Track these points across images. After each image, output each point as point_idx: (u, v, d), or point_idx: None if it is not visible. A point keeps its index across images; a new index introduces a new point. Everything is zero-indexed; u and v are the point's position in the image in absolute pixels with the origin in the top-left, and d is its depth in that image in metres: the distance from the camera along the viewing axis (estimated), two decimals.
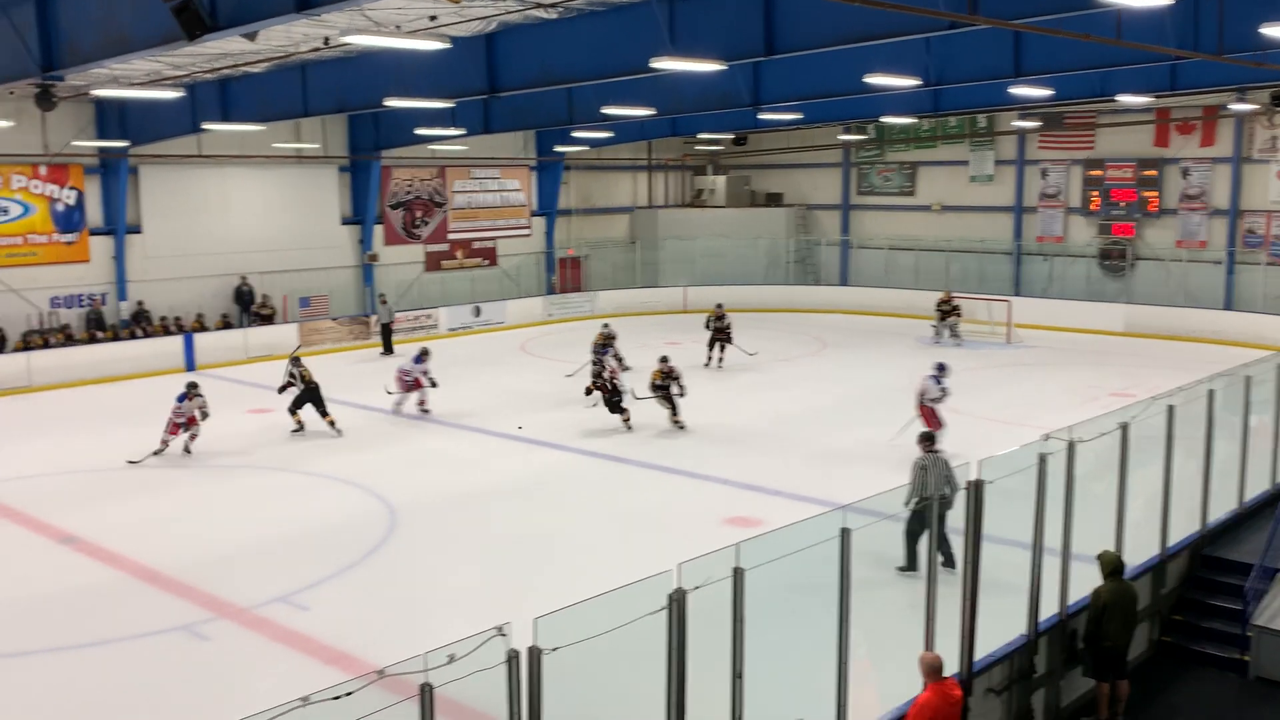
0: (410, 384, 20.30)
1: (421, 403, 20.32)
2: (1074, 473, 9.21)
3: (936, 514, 10.35)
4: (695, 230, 37.27)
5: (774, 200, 38.66)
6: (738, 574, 6.31)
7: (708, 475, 16.12)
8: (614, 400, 18.90)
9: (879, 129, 35.16)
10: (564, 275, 36.31)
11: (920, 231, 35.53)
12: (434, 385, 20.32)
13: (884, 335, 30.04)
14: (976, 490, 8.35)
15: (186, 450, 17.34)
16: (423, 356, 20.64)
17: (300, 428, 18.70)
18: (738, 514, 14.10)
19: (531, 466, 16.76)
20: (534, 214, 35.77)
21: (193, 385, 17.62)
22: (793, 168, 38.07)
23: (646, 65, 14.74)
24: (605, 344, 22.16)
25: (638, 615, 5.73)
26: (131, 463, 16.84)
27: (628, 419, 18.72)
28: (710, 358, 24.70)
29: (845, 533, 7.12)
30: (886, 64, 18.23)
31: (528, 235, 35.67)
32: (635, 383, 19.76)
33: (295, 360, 19.12)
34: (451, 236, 33.58)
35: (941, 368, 17.32)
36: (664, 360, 19.31)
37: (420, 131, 26.62)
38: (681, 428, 18.82)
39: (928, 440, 12.15)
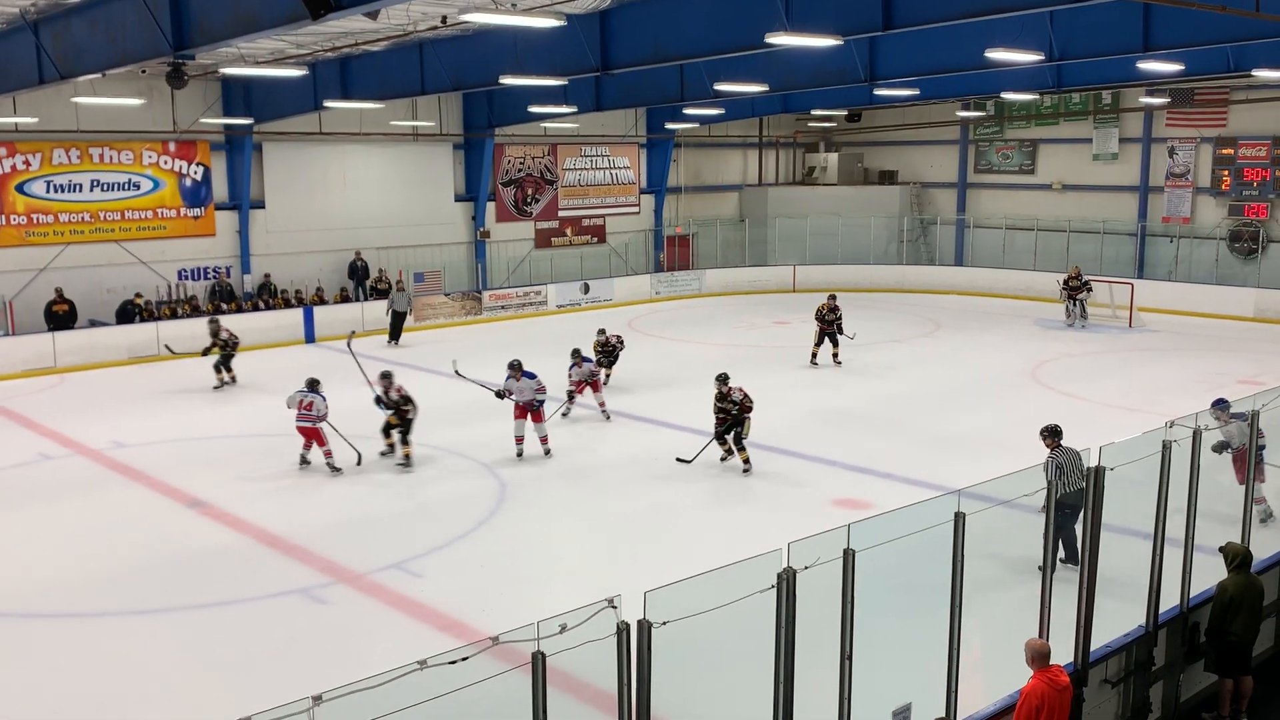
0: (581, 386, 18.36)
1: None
2: (1198, 461, 8.90)
3: (1071, 510, 10.02)
4: (806, 209, 36.89)
5: (888, 178, 38.02)
6: (847, 555, 6.26)
7: (818, 456, 16.01)
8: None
9: (998, 105, 34.28)
10: (672, 253, 36.32)
11: (1040, 211, 34.58)
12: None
13: (1000, 317, 29.38)
14: (1097, 477, 8.13)
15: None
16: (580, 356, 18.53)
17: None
18: (847, 496, 14.00)
19: (643, 444, 16.86)
20: (643, 191, 35.82)
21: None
22: (908, 145, 37.36)
23: (761, 41, 14.61)
24: (605, 349, 20.29)
25: (747, 593, 5.73)
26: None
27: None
28: (816, 354, 22.53)
29: (959, 517, 7.00)
30: (1008, 38, 17.74)
31: (636, 213, 35.75)
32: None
33: (348, 342, 18.44)
34: (561, 214, 33.85)
35: (1222, 404, 12.22)
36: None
37: (533, 109, 26.84)
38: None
39: (1054, 435, 11.47)
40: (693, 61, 19.72)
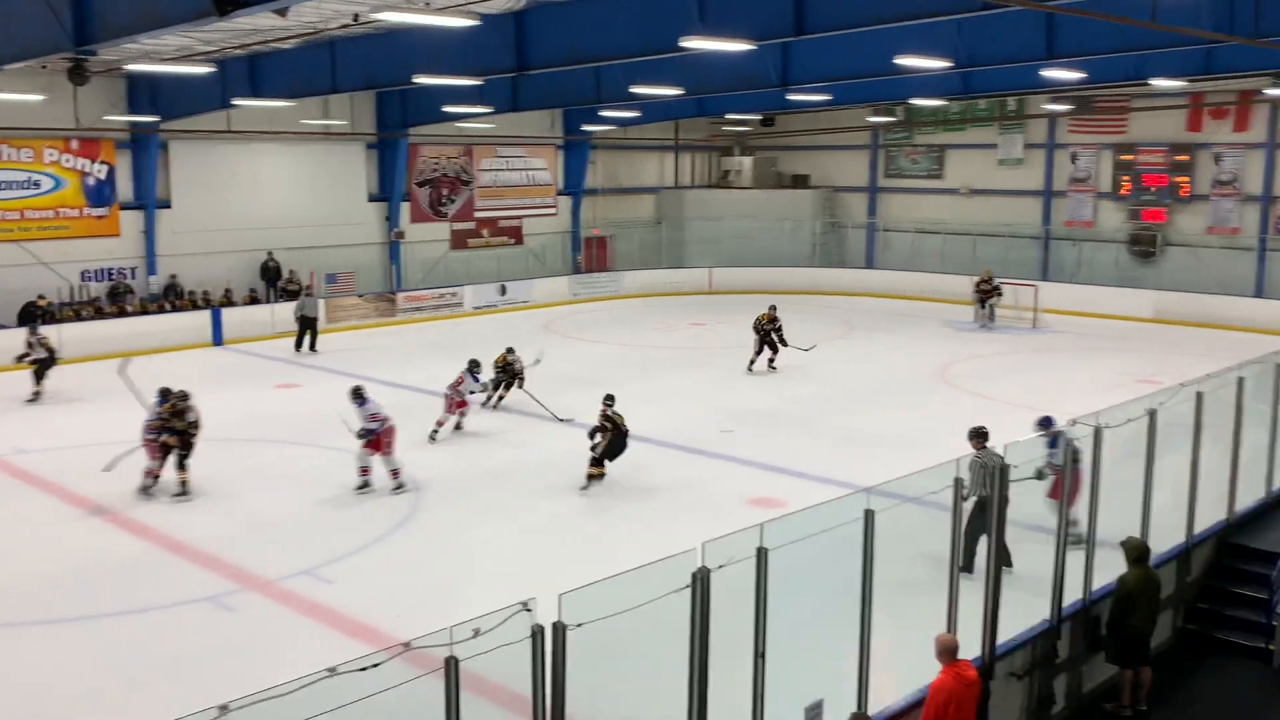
0: (457, 403, 17.45)
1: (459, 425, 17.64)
2: (1100, 459, 9.16)
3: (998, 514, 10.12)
4: (722, 211, 37.18)
5: (801, 182, 38.49)
6: (761, 554, 6.32)
7: (734, 457, 16.13)
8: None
9: (907, 111, 34.91)
10: (590, 255, 36.31)
11: (947, 215, 35.32)
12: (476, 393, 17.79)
13: (910, 318, 29.91)
14: (1001, 475, 8.32)
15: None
16: (476, 369, 17.73)
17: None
18: (763, 495, 14.11)
19: (559, 445, 16.80)
20: (560, 193, 35.75)
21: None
22: (820, 149, 37.86)
23: (676, 44, 14.69)
24: (505, 368, 19.08)
25: (662, 593, 5.75)
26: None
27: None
28: (754, 362, 22.31)
29: (869, 515, 7.12)
30: (917, 45, 18.10)
31: (554, 214, 35.67)
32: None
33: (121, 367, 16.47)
34: (478, 215, 33.62)
35: (1047, 422, 12.09)
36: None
37: (448, 109, 26.63)
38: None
39: (979, 437, 11.46)
40: (609, 63, 19.76)
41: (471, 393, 17.47)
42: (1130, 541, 9.34)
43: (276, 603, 10.99)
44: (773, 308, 22.91)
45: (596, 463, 14.73)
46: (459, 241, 33.17)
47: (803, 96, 26.73)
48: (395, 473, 14.52)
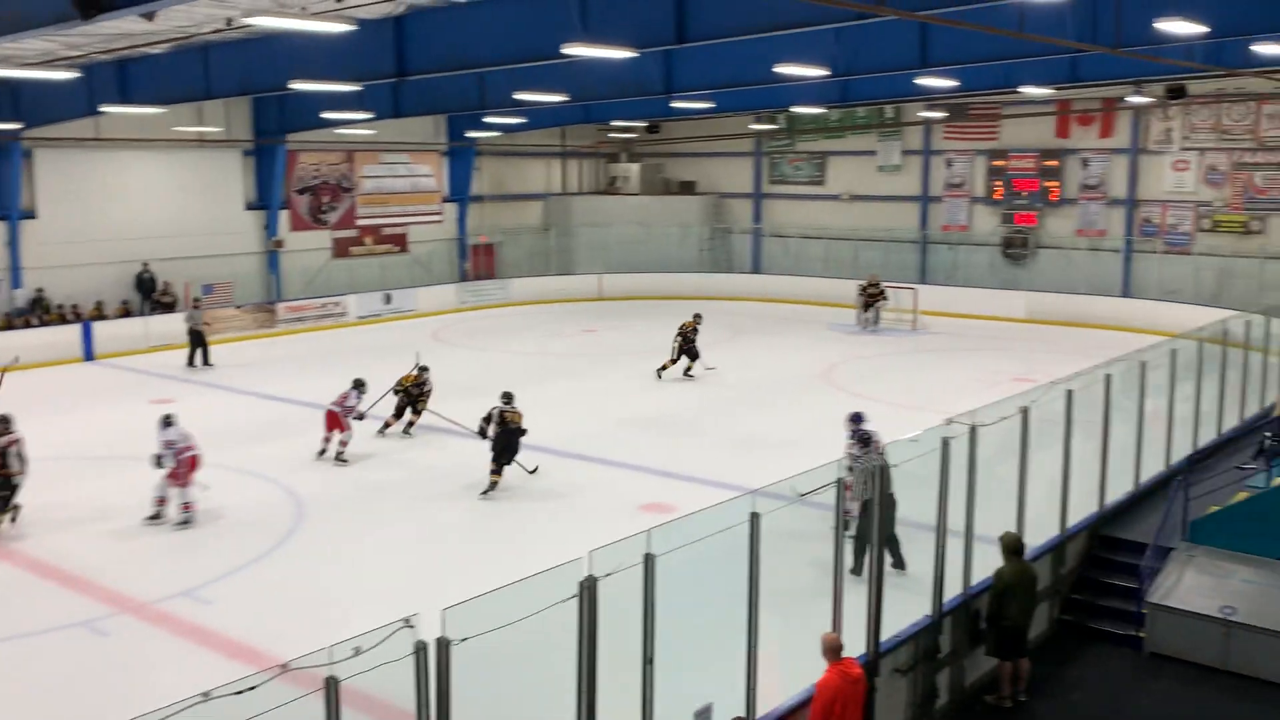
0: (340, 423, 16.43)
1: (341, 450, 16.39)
2: (976, 456, 9.42)
3: (886, 516, 10.21)
4: (610, 218, 37.26)
5: (687, 188, 38.81)
6: (648, 560, 6.33)
7: (625, 463, 16.16)
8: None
9: (789, 119, 35.47)
10: (477, 262, 36.00)
11: (830, 220, 35.98)
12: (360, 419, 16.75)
13: (796, 322, 30.38)
14: (882, 473, 8.49)
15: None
16: (361, 388, 16.87)
17: None
18: (653, 500, 14.14)
19: (444, 456, 16.61)
20: (446, 200, 35.37)
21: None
22: (706, 156, 38.22)
23: (558, 51, 14.64)
24: (417, 384, 18.09)
25: (548, 604, 5.71)
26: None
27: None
28: (667, 367, 22.10)
29: (755, 517, 7.18)
30: (796, 54, 18.38)
31: (439, 221, 35.27)
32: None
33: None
34: (360, 222, 33.03)
35: (857, 417, 12.69)
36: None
37: (327, 115, 26.13)
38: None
39: (865, 441, 11.57)
40: (492, 69, 19.62)
41: (357, 417, 16.60)
42: (1006, 536, 9.62)
43: (153, 625, 10.62)
44: (697, 316, 22.90)
45: (495, 469, 14.58)
46: (341, 250, 32.55)
47: (687, 104, 26.94)
48: (186, 506, 13.47)
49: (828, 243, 35.57)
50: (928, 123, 32.91)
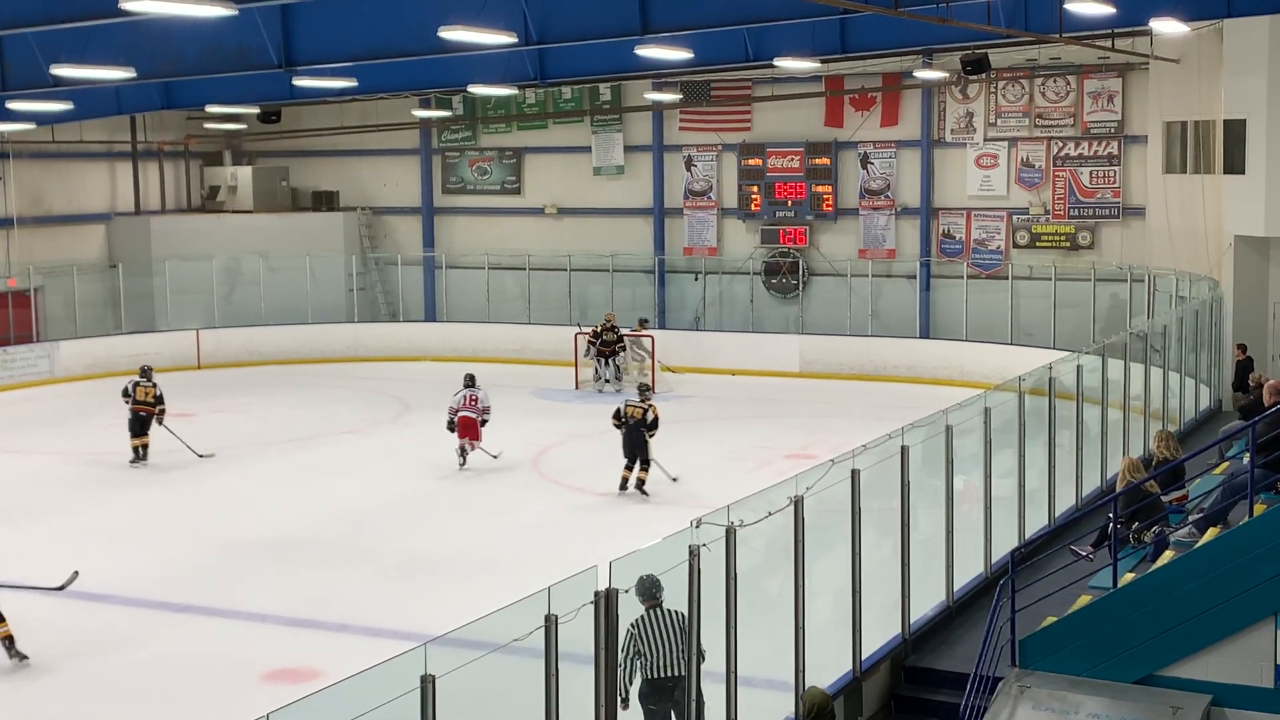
0: None
1: None
2: (734, 568, 9.65)
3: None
4: (210, 246, 36.28)
5: (325, 201, 38.41)
6: None
7: (239, 611, 15.80)
8: None
9: (468, 103, 35.82)
10: (3, 319, 34.19)
11: (532, 243, 36.39)
12: None
13: (493, 389, 30.44)
14: (608, 602, 8.55)
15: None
16: None
17: None
18: (284, 665, 13.90)
19: None
20: None
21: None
22: (350, 155, 38.07)
23: (115, 7, 14.21)
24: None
25: None
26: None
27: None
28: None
29: (427, 681, 7.06)
30: (469, 14, 18.56)
31: None
32: None
33: None
34: None
35: None
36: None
37: None
38: None
39: (650, 596, 10.07)
40: (14, 32, 18.86)
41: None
42: (813, 692, 9.65)
43: None
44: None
45: None
46: None
47: (317, 83, 26.65)
48: None
49: (531, 275, 35.99)
50: (658, 107, 34.00)
